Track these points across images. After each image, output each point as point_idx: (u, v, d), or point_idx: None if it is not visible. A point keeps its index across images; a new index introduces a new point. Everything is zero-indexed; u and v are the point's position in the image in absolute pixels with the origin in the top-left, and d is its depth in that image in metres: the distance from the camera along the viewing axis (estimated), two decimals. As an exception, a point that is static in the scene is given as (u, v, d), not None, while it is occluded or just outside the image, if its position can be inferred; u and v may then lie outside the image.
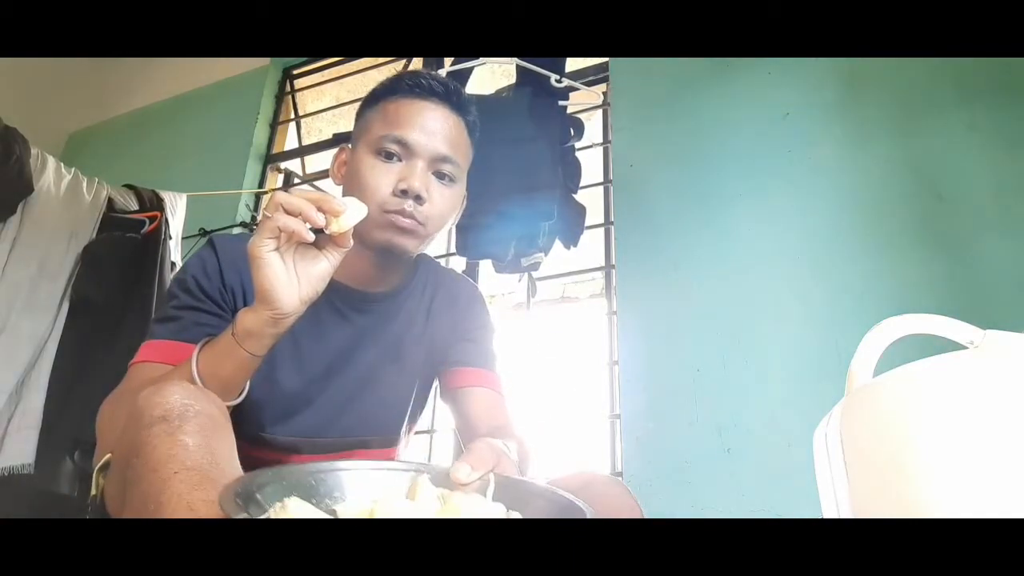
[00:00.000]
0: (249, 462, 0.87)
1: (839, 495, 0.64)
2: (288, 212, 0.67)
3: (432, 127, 0.87)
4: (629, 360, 1.69)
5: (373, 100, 0.92)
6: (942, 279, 1.44)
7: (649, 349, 1.67)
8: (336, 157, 0.96)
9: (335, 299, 0.90)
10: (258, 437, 0.88)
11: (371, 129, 0.88)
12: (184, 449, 0.59)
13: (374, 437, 0.95)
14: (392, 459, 0.97)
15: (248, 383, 0.77)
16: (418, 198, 0.84)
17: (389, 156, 0.85)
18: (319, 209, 0.68)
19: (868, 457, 0.61)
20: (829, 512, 0.65)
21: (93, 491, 0.73)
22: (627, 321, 1.73)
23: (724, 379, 1.55)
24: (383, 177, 0.85)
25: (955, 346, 0.64)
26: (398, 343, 0.96)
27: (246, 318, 0.72)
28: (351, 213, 0.70)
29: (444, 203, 0.88)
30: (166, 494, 0.55)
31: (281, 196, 0.68)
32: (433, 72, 0.93)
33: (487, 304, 1.09)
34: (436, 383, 1.05)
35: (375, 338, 0.94)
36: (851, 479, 0.63)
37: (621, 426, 1.64)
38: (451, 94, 0.89)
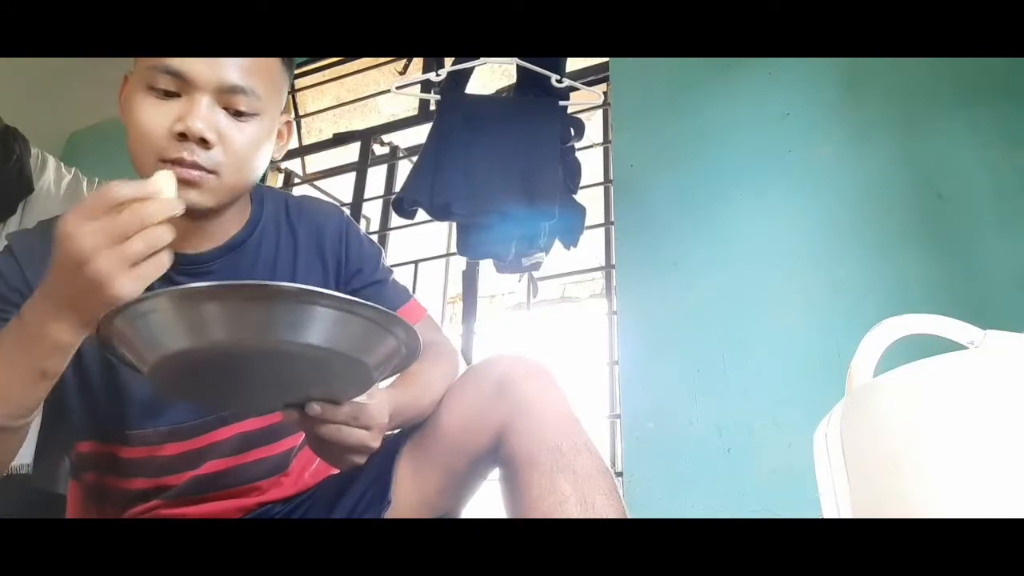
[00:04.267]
0: (119, 463, 0.81)
1: (839, 495, 0.63)
2: (121, 236, 0.55)
3: None
4: (629, 360, 1.69)
5: None
6: (942, 279, 1.44)
7: (649, 349, 1.67)
8: (120, 90, 0.77)
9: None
10: (125, 436, 0.81)
11: (140, 59, 0.72)
12: None
13: None
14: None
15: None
16: (202, 141, 0.69)
17: (166, 92, 0.70)
18: (133, 202, 0.56)
19: (868, 457, 0.61)
20: (829, 512, 0.65)
21: None
22: (627, 321, 1.73)
23: (724, 379, 1.55)
24: (157, 117, 0.70)
25: (955, 346, 0.64)
26: None
27: (57, 331, 0.58)
28: (163, 184, 0.60)
29: (243, 143, 0.72)
30: None
31: (101, 227, 0.55)
32: None
33: (356, 225, 0.97)
34: None
35: None
36: (851, 479, 0.62)
37: (621, 426, 1.64)
38: None
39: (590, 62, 2.15)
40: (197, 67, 0.70)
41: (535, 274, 1.86)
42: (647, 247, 1.77)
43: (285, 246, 0.88)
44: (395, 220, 2.05)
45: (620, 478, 1.57)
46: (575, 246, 1.74)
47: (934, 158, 1.55)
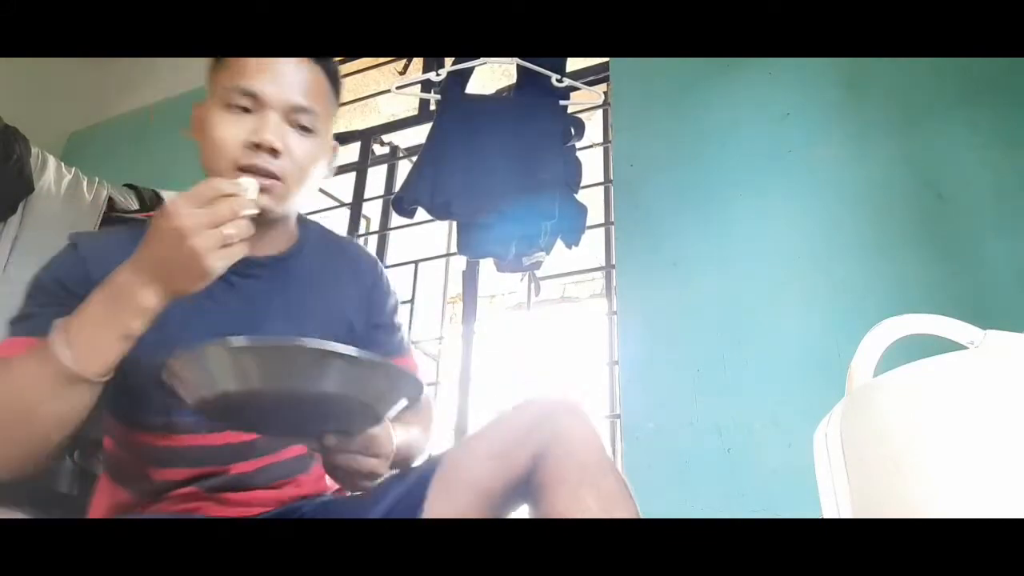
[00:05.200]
0: (152, 452, 0.84)
1: (839, 495, 0.64)
2: (218, 221, 0.66)
3: (284, 76, 0.82)
4: (629, 360, 1.69)
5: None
6: (942, 279, 1.44)
7: (649, 349, 1.67)
8: (194, 115, 0.89)
9: None
10: (167, 424, 0.83)
11: (219, 82, 0.83)
12: None
13: None
14: None
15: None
16: (273, 151, 0.80)
17: (241, 109, 0.81)
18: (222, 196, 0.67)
19: (868, 457, 0.61)
20: (829, 512, 0.65)
21: None
22: (627, 321, 1.73)
23: (724, 379, 1.55)
24: (232, 129, 0.80)
25: (955, 346, 0.64)
26: (301, 306, 0.91)
27: (146, 295, 0.67)
28: (250, 187, 0.71)
29: (304, 155, 0.84)
30: None
31: (201, 216, 0.66)
32: None
33: (387, 275, 1.04)
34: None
35: (271, 304, 0.88)
36: (851, 479, 0.63)
37: (621, 426, 1.64)
38: None
39: (590, 62, 2.15)
40: (269, 89, 0.81)
41: (536, 273, 1.87)
42: (647, 247, 1.77)
43: (323, 273, 0.96)
44: (395, 220, 2.05)
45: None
46: (577, 245, 1.74)
47: (934, 158, 1.55)
